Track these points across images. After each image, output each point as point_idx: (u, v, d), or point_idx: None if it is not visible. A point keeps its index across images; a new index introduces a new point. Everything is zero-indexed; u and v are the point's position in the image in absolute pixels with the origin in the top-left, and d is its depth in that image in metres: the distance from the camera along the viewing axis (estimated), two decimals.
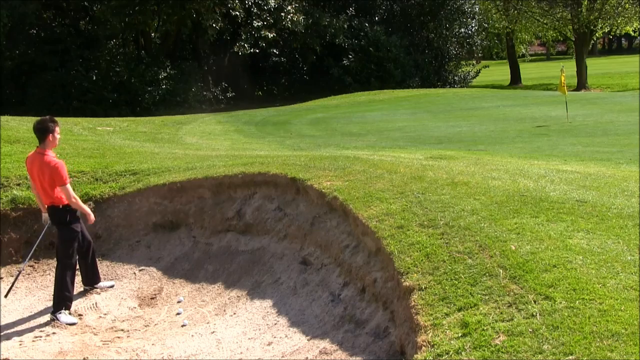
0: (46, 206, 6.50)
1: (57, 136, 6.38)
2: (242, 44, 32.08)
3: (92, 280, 7.03)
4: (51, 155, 6.30)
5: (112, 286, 7.17)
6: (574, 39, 40.42)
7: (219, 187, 8.01)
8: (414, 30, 40.66)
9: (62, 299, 6.45)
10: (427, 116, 20.57)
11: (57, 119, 6.55)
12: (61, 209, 6.40)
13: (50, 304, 6.64)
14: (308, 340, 5.24)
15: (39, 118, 6.57)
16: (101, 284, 7.11)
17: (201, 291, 6.89)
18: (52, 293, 6.55)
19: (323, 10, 36.24)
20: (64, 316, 6.40)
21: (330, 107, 25.97)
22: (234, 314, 6.15)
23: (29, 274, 7.60)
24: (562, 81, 17.69)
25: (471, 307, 3.97)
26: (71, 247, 6.51)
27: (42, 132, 6.26)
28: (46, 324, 6.35)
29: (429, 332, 3.88)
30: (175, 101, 29.70)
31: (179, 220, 8.08)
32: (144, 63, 29.65)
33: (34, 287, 7.33)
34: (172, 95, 29.71)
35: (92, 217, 6.71)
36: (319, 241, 6.41)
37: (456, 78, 41.38)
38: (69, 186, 6.29)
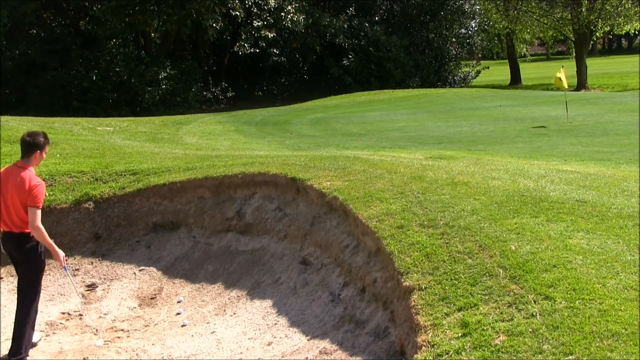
0: (4, 231, 5.59)
1: (44, 155, 5.73)
2: (242, 43, 32.06)
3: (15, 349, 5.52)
4: (33, 172, 5.60)
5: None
6: (574, 39, 40.40)
7: (219, 187, 8.01)
8: (414, 30, 40.64)
9: (26, 341, 5.53)
10: (427, 116, 20.55)
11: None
12: (30, 235, 5.53)
13: (50, 302, 6.63)
14: (308, 340, 5.24)
15: (30, 130, 5.86)
16: None
17: (201, 291, 6.89)
18: (13, 330, 5.55)
19: (323, 10, 36.21)
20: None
21: (330, 107, 25.95)
22: (234, 314, 6.15)
23: None
24: (558, 77, 17.50)
25: (471, 307, 3.97)
26: (39, 278, 5.67)
27: (32, 147, 5.56)
28: (46, 324, 6.34)
29: (429, 332, 3.89)
30: (175, 101, 29.69)
31: (179, 220, 8.08)
32: (144, 63, 29.64)
33: None
34: (172, 95, 29.70)
35: (61, 256, 5.65)
36: (319, 241, 6.41)
37: (456, 78, 41.36)
38: (39, 212, 5.46)
